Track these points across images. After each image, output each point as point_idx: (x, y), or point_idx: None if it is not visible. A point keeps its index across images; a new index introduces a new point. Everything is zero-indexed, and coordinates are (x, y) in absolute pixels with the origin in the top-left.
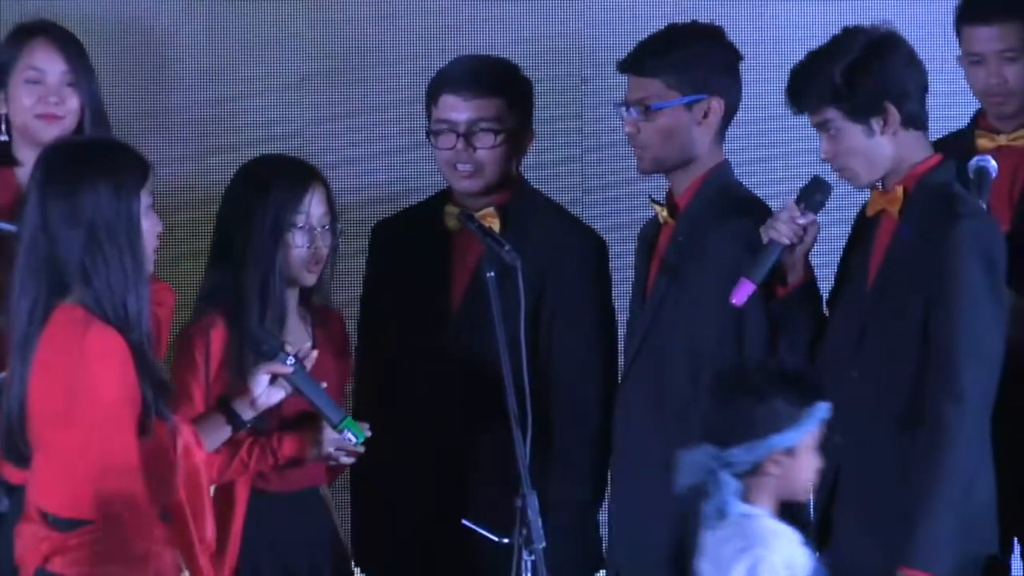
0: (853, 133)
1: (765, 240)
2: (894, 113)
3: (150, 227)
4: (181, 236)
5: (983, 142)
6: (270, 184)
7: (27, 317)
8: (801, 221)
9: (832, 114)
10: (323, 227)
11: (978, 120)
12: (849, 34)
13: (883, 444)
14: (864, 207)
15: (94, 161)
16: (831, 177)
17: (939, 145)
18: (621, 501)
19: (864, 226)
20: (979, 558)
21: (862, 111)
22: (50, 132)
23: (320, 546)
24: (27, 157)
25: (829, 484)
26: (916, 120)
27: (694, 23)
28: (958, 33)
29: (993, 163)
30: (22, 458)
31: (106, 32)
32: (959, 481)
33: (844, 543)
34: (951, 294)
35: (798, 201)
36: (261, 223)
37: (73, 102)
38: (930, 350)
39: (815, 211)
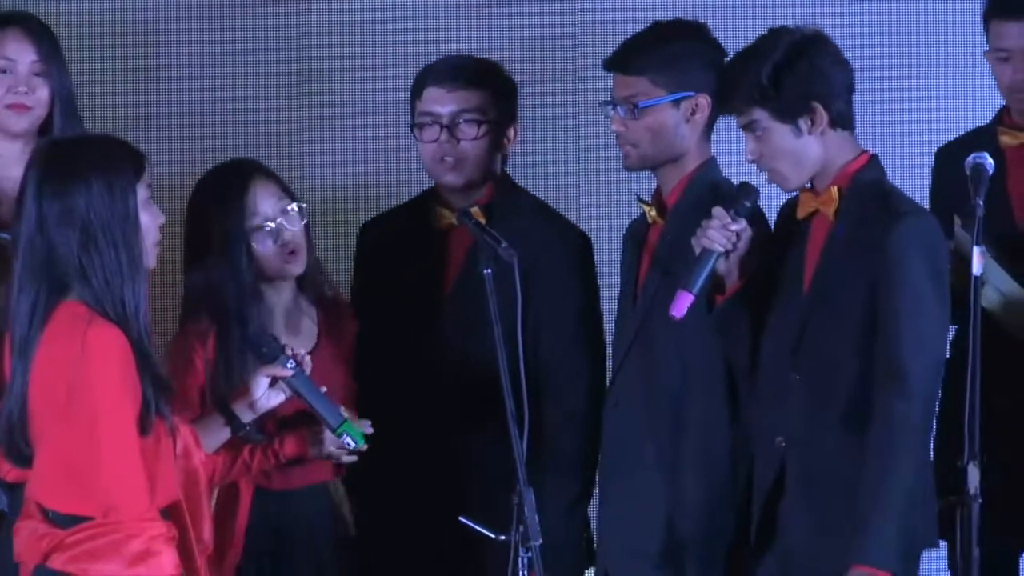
0: (781, 134)
1: (698, 251)
2: (822, 113)
3: (150, 220)
4: (176, 238)
5: (1006, 139)
6: (211, 199)
7: (27, 318)
8: (733, 227)
9: (759, 115)
10: (282, 213)
11: (1002, 117)
12: (774, 34)
13: (828, 445)
14: (785, 210)
15: (86, 159)
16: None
17: (961, 142)
18: (611, 499)
19: (793, 229)
20: (917, 554)
21: (789, 111)
22: (20, 122)
23: (325, 542)
24: None
25: (769, 485)
26: (844, 119)
27: (678, 20)
28: (986, 28)
29: (990, 160)
30: (23, 458)
31: (102, 31)
32: (909, 478)
33: (797, 545)
34: (896, 291)
35: (727, 207)
36: (218, 239)
37: (43, 92)
38: (873, 349)
39: (744, 216)
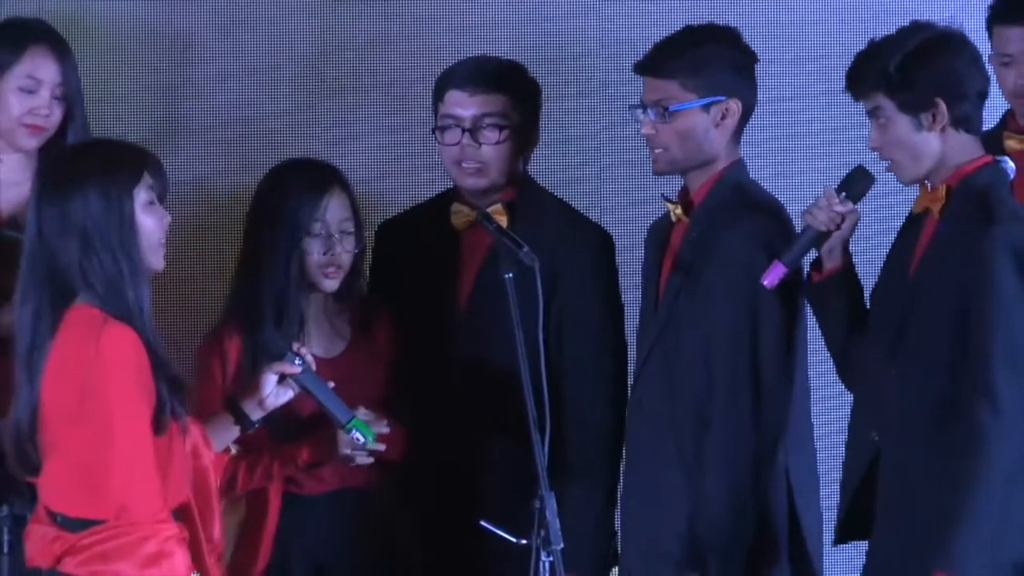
0: (901, 124)
1: (802, 226)
2: (944, 110)
3: (154, 222)
4: (202, 244)
5: (1011, 143)
6: (288, 190)
7: (31, 328)
8: (839, 208)
9: (883, 102)
10: (343, 232)
11: (1007, 121)
12: (914, 27)
13: (919, 444)
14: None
15: (83, 166)
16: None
17: None
18: (634, 499)
19: (911, 224)
20: (1018, 564)
21: (912, 103)
22: (32, 142)
23: (356, 545)
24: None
25: (858, 479)
26: (968, 122)
27: (711, 25)
28: (989, 33)
29: (1011, 164)
30: (33, 468)
31: (128, 43)
32: (994, 487)
33: (880, 544)
34: (983, 297)
35: (839, 189)
36: (278, 230)
37: (58, 114)
38: (963, 351)
39: (855, 200)
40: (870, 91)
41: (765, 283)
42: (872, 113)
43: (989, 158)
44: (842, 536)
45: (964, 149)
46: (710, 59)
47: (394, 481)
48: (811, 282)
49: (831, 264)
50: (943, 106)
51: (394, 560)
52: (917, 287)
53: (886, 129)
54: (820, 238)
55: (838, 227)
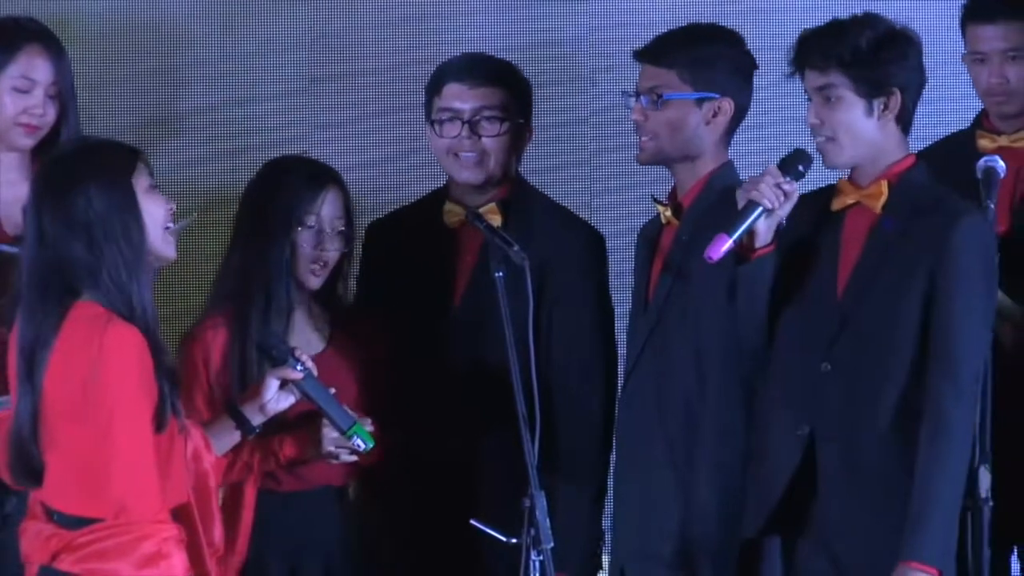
0: (853, 106)
1: (742, 202)
2: (899, 100)
3: (156, 208)
4: (189, 237)
5: (984, 143)
6: (284, 182)
7: (34, 325)
8: (785, 187)
9: (839, 79)
10: (334, 230)
11: (981, 120)
12: (873, 16)
13: (870, 438)
14: (808, 200)
15: (78, 165)
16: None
17: (940, 145)
18: (625, 500)
19: (823, 220)
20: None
21: (872, 86)
22: (27, 141)
23: (333, 544)
24: None
25: (789, 476)
26: (906, 119)
27: (715, 25)
28: (963, 32)
29: (1002, 163)
30: (34, 475)
31: (117, 35)
32: (961, 477)
33: (840, 539)
34: (953, 289)
35: (781, 168)
36: (272, 220)
37: (52, 113)
38: (925, 343)
39: (797, 179)
40: (828, 66)
41: (710, 255)
42: (821, 89)
43: (915, 157)
44: (767, 529)
45: (897, 146)
46: (711, 56)
47: (377, 481)
48: (745, 261)
49: (764, 243)
50: (899, 96)
51: (373, 560)
52: (861, 284)
53: (834, 108)
54: (762, 215)
55: (780, 205)
